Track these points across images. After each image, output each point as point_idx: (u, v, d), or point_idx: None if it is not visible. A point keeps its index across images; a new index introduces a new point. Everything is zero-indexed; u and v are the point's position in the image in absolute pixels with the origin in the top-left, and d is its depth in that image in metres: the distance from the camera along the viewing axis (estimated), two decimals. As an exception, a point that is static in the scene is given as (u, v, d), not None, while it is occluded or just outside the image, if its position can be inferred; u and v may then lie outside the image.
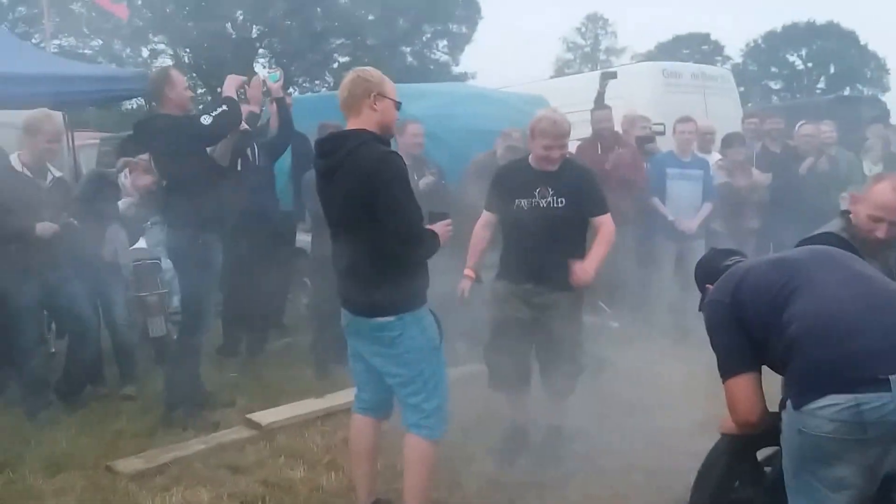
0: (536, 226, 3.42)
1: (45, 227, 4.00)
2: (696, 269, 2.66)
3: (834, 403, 1.92)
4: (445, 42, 23.43)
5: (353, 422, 2.99)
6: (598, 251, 3.48)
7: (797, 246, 2.54)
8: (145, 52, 18.31)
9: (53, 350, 5.16)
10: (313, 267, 5.02)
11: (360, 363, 2.87)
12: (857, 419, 1.90)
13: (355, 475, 3.00)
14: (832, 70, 38.53)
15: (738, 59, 38.84)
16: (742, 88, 15.40)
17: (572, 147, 5.02)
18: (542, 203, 3.44)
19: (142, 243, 5.40)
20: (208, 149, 3.96)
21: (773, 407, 2.21)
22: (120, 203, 4.64)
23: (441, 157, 5.48)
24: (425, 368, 2.72)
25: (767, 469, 2.46)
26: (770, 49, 39.38)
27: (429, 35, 22.99)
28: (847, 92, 30.77)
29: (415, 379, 2.71)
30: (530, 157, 3.59)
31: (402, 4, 22.03)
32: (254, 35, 20.81)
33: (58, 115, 4.60)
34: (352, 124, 2.68)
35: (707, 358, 2.37)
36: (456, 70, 23.66)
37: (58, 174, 4.37)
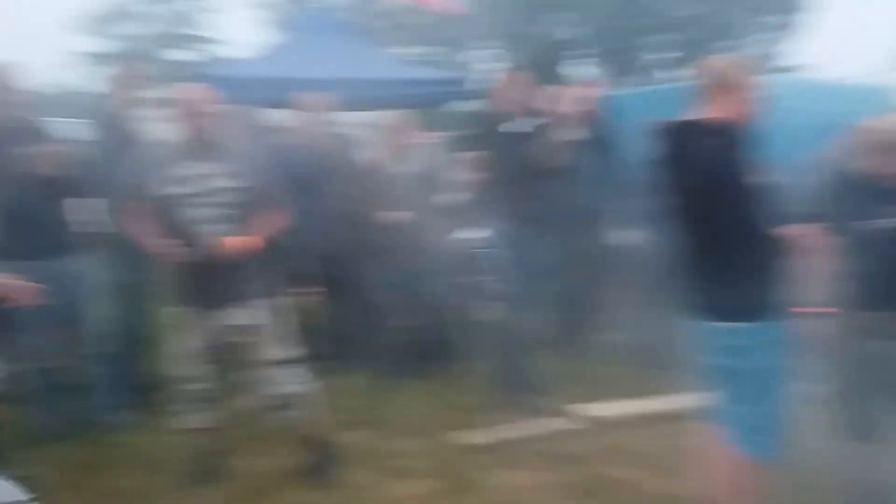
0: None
1: (396, 216, 4.44)
2: None
3: None
4: (771, 34, 21.42)
5: (701, 429, 2.78)
6: None
7: None
8: (477, 56, 19.53)
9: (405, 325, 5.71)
10: (639, 265, 4.86)
11: (713, 369, 2.67)
12: None
13: (697, 484, 2.80)
14: None
15: None
16: None
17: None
18: None
19: (473, 233, 5.72)
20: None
21: None
22: (454, 196, 4.97)
23: (772, 153, 4.92)
24: (772, 385, 2.49)
25: None
26: None
27: (753, 26, 21.22)
28: None
29: (760, 395, 2.49)
30: (868, 167, 2.99)
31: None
32: (575, 36, 21.05)
33: (407, 116, 5.08)
34: (710, 112, 2.54)
35: None
36: (782, 62, 21.51)
37: (410, 169, 4.82)
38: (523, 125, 4.26)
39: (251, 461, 3.49)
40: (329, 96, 4.99)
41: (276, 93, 5.67)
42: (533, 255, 4.15)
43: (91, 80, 21.41)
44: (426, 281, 4.68)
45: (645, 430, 3.83)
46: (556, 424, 3.95)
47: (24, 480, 2.29)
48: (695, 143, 2.52)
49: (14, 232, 3.51)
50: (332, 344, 4.95)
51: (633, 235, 5.11)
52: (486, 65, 17.97)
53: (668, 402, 3.99)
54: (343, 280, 4.85)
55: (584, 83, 4.67)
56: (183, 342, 3.23)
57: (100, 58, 23.21)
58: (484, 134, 4.38)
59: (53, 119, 4.22)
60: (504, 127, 4.28)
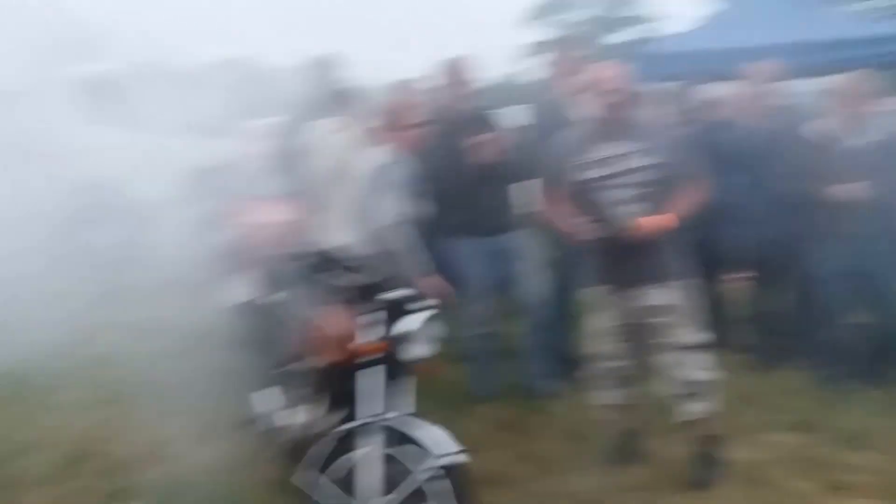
0: None
1: (851, 192, 3.83)
2: None
3: None
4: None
5: None
6: None
7: None
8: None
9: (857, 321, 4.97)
10: None
11: None
12: None
13: None
14: None
15: None
16: None
17: None
18: None
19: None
20: None
21: None
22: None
23: None
24: None
25: None
26: None
27: None
28: None
29: None
30: None
31: None
32: None
33: (866, 79, 4.31)
34: None
35: None
36: None
37: (868, 139, 4.10)
38: None
39: (665, 446, 3.41)
40: (776, 64, 4.54)
41: (718, 65, 5.35)
42: None
43: (534, 69, 23.23)
44: (887, 270, 3.95)
45: None
46: None
47: (456, 434, 2.58)
48: None
49: (465, 213, 3.97)
50: (758, 336, 4.56)
51: None
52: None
53: None
54: (781, 266, 4.39)
55: None
56: (599, 320, 3.28)
57: (542, 46, 25.00)
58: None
59: (499, 109, 4.63)
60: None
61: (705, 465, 3.22)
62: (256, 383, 3.33)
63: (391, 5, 46.56)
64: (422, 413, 2.71)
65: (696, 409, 3.17)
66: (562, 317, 4.29)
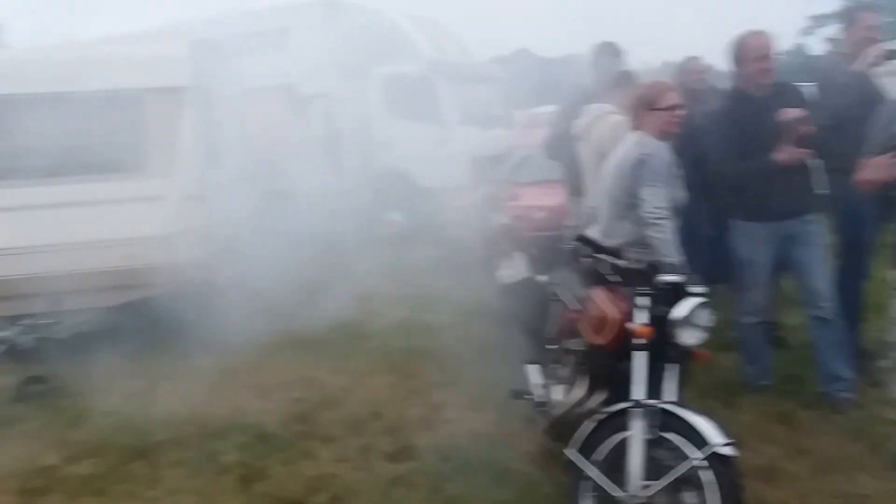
0: None
1: None
2: None
3: None
4: None
5: None
6: None
7: None
8: None
9: None
10: None
11: None
12: None
13: None
14: None
15: None
16: None
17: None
18: None
19: None
20: None
21: None
22: None
23: None
24: None
25: None
26: None
27: None
28: None
29: None
30: None
31: None
32: None
33: None
34: None
35: None
36: None
37: None
38: None
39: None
40: None
41: None
42: None
43: (828, 42, 20.76)
44: None
45: None
46: None
47: (724, 424, 2.48)
48: None
49: (758, 195, 3.70)
50: None
51: None
52: None
53: None
54: None
55: None
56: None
57: (834, 17, 22.14)
58: None
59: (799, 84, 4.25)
60: None
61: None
62: (527, 359, 3.49)
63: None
64: (689, 401, 2.65)
65: None
66: (854, 306, 3.90)
